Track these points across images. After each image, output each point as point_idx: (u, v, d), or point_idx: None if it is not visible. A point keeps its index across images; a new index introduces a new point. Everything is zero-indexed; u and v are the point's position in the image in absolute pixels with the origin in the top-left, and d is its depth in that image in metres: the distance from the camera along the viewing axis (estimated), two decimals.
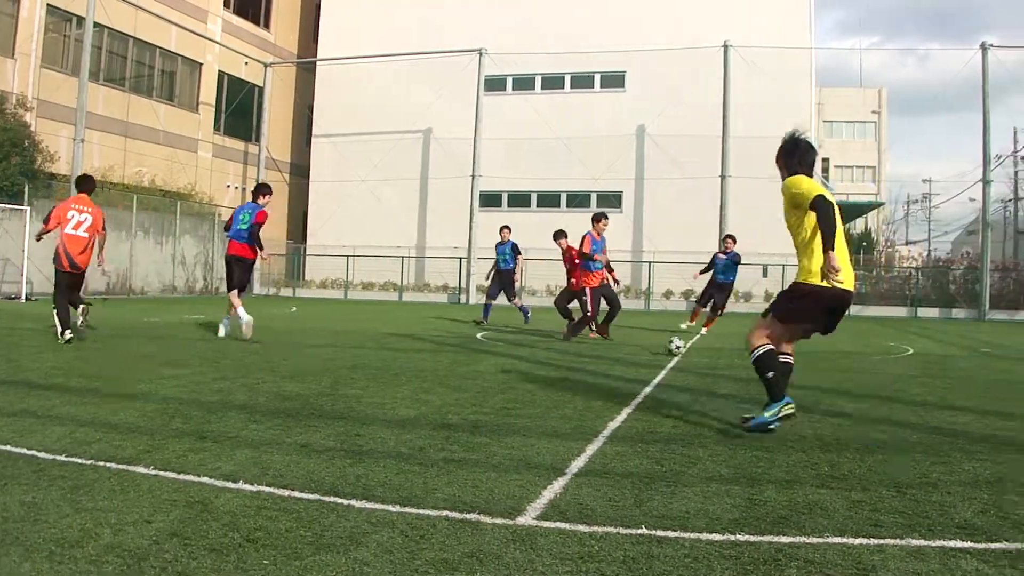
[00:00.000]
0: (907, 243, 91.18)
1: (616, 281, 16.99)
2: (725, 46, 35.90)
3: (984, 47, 35.47)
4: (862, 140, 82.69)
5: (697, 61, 36.17)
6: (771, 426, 6.60)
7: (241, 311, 14.31)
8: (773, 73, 36.19)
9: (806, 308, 6.80)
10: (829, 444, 6.31)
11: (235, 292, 14.79)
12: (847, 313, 7.02)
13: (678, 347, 13.73)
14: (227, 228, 15.15)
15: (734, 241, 20.39)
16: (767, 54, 35.46)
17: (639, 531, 4.02)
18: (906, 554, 3.79)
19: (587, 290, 15.98)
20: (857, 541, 3.96)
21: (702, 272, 20.37)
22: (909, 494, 4.89)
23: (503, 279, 21.71)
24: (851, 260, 6.74)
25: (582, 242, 16.03)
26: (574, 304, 16.73)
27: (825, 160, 77.35)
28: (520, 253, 21.84)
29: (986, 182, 36.57)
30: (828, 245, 6.32)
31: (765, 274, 36.12)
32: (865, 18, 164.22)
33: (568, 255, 17.80)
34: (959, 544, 3.95)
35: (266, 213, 14.83)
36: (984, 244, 36.62)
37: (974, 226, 66.44)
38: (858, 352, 15.97)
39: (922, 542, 3.97)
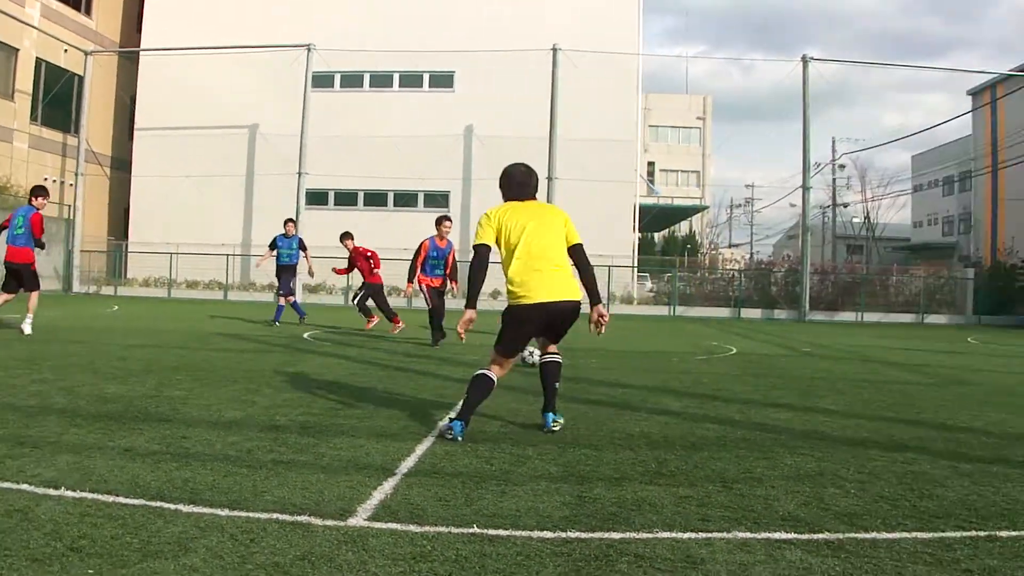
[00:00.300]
0: (730, 246, 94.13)
1: (455, 289, 16.77)
2: (554, 49, 36.27)
3: (805, 59, 36.78)
4: (687, 145, 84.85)
5: (526, 63, 36.42)
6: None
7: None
8: (601, 77, 36.90)
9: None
10: (656, 442, 6.50)
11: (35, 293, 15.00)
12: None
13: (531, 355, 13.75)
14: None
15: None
16: (595, 58, 36.00)
17: (471, 530, 4.08)
18: (733, 546, 3.93)
19: (423, 287, 15.73)
20: (685, 535, 4.09)
21: None
22: (735, 489, 5.08)
23: (288, 273, 21.54)
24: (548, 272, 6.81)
25: (419, 249, 15.75)
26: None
27: (651, 164, 79.05)
28: (307, 248, 22.01)
29: (806, 188, 38.05)
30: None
31: None
32: (692, 26, 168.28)
33: (355, 255, 19.61)
34: (784, 536, 4.12)
35: (41, 216, 14.74)
36: (804, 248, 37.96)
37: (794, 230, 68.70)
38: (683, 352, 16.42)
39: (748, 535, 4.13)
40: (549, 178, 35.50)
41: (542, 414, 6.99)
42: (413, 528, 4.09)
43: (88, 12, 45.61)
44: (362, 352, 13.80)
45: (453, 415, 6.90)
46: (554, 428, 6.83)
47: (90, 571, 3.41)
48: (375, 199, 41.24)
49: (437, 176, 39.35)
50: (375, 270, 19.38)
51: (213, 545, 3.76)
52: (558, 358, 7.22)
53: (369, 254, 19.54)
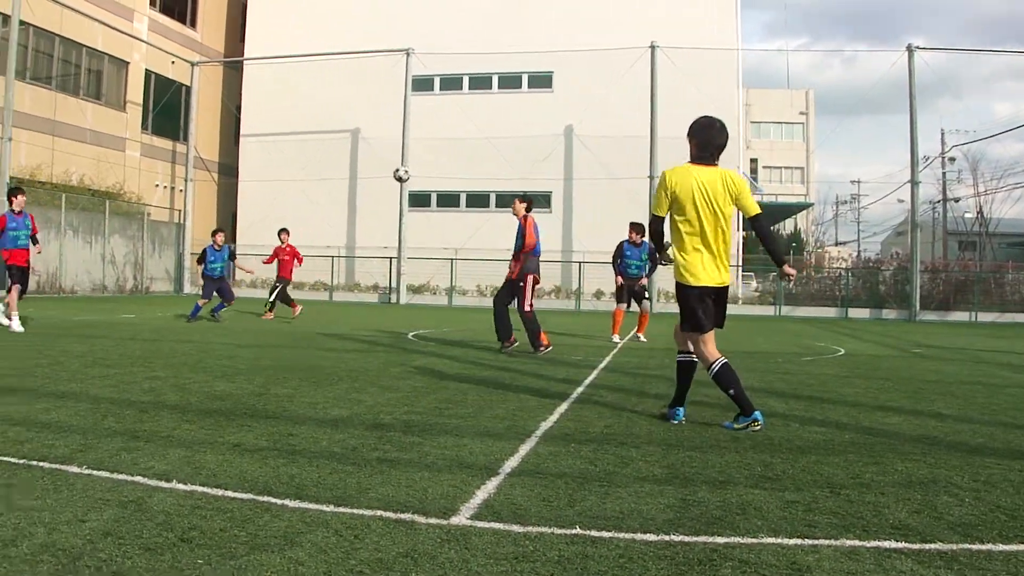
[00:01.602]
0: (836, 244, 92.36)
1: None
2: (652, 47, 36.06)
3: (910, 49, 35.94)
4: (790, 141, 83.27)
5: (624, 62, 36.28)
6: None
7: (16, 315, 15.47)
8: (700, 74, 36.41)
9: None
10: (762, 445, 6.36)
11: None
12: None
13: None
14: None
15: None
16: (694, 55, 35.68)
17: (573, 531, 4.03)
18: (840, 554, 3.81)
19: (528, 279, 14.28)
20: (791, 541, 3.97)
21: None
22: (843, 494, 4.92)
23: (212, 283, 21.58)
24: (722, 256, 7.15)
25: (526, 232, 14.16)
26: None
27: (753, 161, 77.93)
28: (235, 257, 23.64)
29: (914, 183, 37.11)
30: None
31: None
32: (792, 20, 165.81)
33: (289, 251, 22.95)
34: (894, 544, 3.97)
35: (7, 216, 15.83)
36: (913, 245, 37.13)
37: (903, 227, 67.23)
38: (788, 352, 16.16)
39: (856, 542, 4.00)
40: (651, 177, 35.25)
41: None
42: (515, 528, 4.06)
43: (193, 24, 46.67)
44: (466, 352, 13.82)
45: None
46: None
47: (199, 561, 3.47)
48: (477, 200, 41.42)
49: (538, 176, 39.30)
50: (295, 267, 22.86)
51: (318, 540, 3.79)
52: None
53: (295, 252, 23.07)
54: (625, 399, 8.55)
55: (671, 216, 7.15)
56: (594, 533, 4.02)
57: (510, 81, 41.76)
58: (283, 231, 23.53)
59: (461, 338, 16.35)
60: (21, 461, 5.10)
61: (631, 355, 13.94)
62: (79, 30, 37.95)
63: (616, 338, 17.75)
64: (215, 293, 21.23)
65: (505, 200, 39.84)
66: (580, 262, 38.13)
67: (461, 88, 42.37)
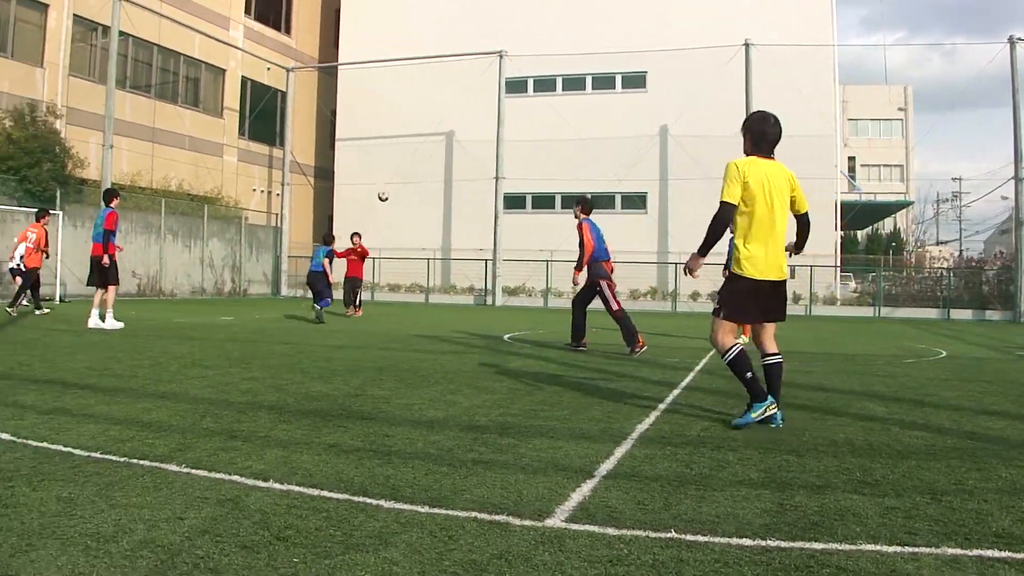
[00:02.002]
0: (937, 243, 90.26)
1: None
2: (746, 44, 35.68)
3: (1012, 41, 35.04)
4: (888, 138, 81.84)
5: (718, 60, 35.97)
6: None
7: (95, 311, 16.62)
8: (795, 71, 35.94)
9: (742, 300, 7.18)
10: (860, 449, 6.21)
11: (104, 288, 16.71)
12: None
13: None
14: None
15: None
16: (789, 52, 35.28)
17: (668, 535, 3.98)
18: (942, 563, 3.70)
19: (603, 285, 14.64)
20: (891, 549, 3.88)
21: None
22: (944, 501, 4.78)
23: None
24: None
25: (583, 239, 14.94)
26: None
27: (851, 159, 76.80)
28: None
29: (1019, 180, 36.05)
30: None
31: (792, 275, 35.93)
32: (889, 14, 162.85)
33: (359, 251, 23.88)
34: (997, 554, 3.85)
35: (115, 216, 16.81)
36: (1018, 244, 36.07)
37: (1007, 225, 65.50)
38: (888, 354, 15.86)
39: (958, 551, 3.88)
40: None
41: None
42: (610, 531, 4.02)
43: (288, 31, 47.41)
44: (562, 354, 13.78)
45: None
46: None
47: (295, 560, 3.50)
48: (572, 202, 41.23)
49: (633, 177, 39.14)
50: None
51: (413, 541, 3.79)
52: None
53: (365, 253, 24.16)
54: (722, 402, 8.43)
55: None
56: (689, 537, 3.97)
57: (604, 82, 41.63)
58: (355, 235, 24.59)
59: (557, 340, 16.31)
60: (122, 459, 5.20)
61: None
62: (177, 39, 38.88)
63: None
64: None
65: (601, 201, 39.78)
66: (676, 263, 37.76)
67: (555, 90, 42.35)
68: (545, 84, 42.46)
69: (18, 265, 21.16)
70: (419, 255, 41.76)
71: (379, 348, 14.13)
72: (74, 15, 34.01)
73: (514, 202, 40.97)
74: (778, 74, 35.18)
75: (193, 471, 4.98)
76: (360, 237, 24.55)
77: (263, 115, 45.30)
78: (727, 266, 17.08)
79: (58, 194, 30.29)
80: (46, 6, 32.86)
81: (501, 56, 38.56)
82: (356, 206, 44.19)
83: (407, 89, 43.24)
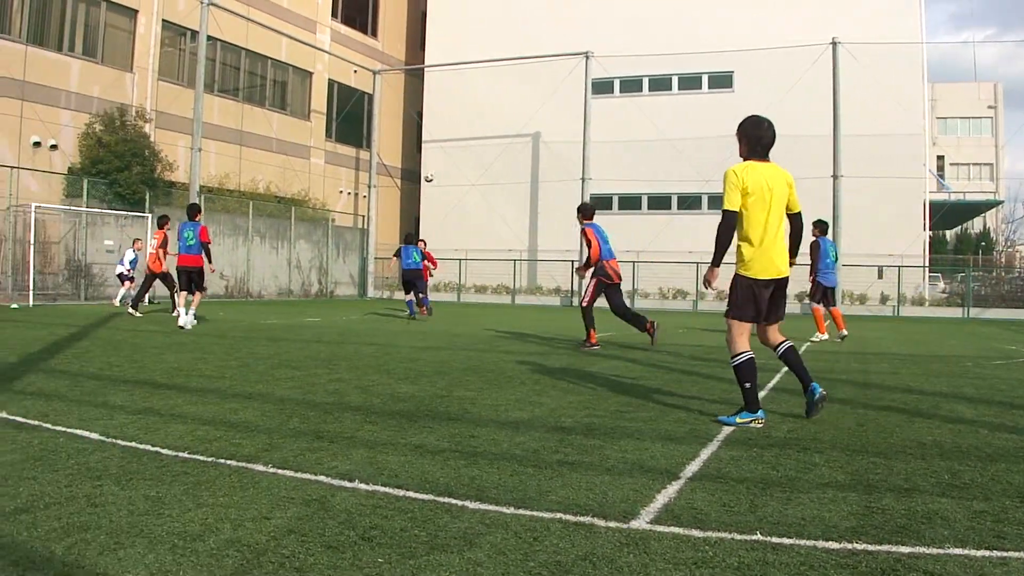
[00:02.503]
0: None
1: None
2: (833, 43, 35.08)
3: None
4: (978, 136, 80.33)
5: (805, 59, 35.47)
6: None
7: (183, 310, 17.90)
8: (884, 69, 35.31)
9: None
10: (949, 451, 6.08)
11: (185, 293, 18.18)
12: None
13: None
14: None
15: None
16: (877, 50, 34.69)
17: (754, 537, 3.95)
18: None
19: (593, 281, 15.69)
20: (979, 553, 3.79)
21: None
22: None
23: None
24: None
25: (589, 242, 16.09)
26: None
27: (940, 158, 75.52)
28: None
29: None
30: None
31: (880, 275, 35.41)
32: (978, 10, 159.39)
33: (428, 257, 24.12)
34: None
35: (207, 228, 18.46)
36: None
37: None
38: (977, 356, 15.51)
39: None
40: (835, 176, 34.36)
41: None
42: (695, 533, 3.99)
43: (374, 34, 47.83)
44: (648, 355, 13.69)
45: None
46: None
47: (379, 560, 3.51)
48: (659, 202, 41.08)
49: (720, 178, 38.61)
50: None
51: (497, 542, 3.79)
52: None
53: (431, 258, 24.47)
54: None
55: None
56: (775, 539, 3.93)
57: (690, 82, 41.25)
58: (420, 241, 24.99)
59: (643, 341, 16.21)
60: (209, 459, 5.27)
61: (816, 358, 13.56)
62: (264, 43, 39.41)
63: (824, 336, 17.54)
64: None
65: (688, 202, 39.50)
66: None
67: (641, 90, 42.08)
68: (631, 85, 42.21)
69: (128, 270, 23.92)
70: (505, 256, 41.79)
71: (465, 349, 14.15)
72: (163, 20, 34.67)
73: (600, 203, 40.75)
74: (866, 72, 34.61)
75: (279, 471, 5.03)
76: (425, 244, 25.36)
77: (350, 117, 45.77)
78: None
79: (147, 197, 30.89)
80: (135, 12, 33.50)
81: (587, 57, 38.42)
82: (442, 208, 44.45)
83: (493, 90, 43.32)
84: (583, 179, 38.19)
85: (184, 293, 18.17)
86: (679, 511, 4.37)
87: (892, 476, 5.29)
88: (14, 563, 3.40)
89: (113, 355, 11.58)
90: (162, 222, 21.47)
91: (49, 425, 6.32)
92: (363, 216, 45.22)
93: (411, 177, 48.86)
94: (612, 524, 4.10)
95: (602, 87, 41.09)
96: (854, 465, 5.57)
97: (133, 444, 5.69)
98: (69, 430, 6.14)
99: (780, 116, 32.03)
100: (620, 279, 15.78)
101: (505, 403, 7.92)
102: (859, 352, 15.02)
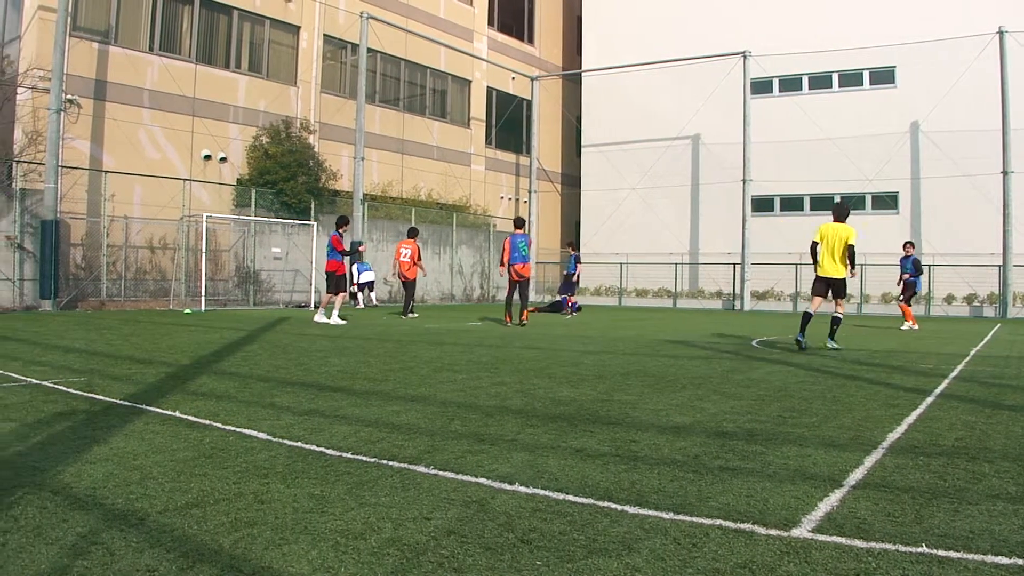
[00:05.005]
0: None
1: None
2: (1000, 32, 33.66)
3: None
4: None
5: (971, 51, 34.22)
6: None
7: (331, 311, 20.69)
8: None
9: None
10: None
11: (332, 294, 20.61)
12: None
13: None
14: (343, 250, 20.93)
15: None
16: None
17: (919, 549, 3.81)
18: None
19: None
20: None
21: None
22: None
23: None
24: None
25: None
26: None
27: None
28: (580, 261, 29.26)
29: None
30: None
31: None
32: None
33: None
34: None
35: (337, 237, 20.56)
36: None
37: None
38: None
39: None
40: (1005, 172, 33.04)
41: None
42: (858, 543, 3.88)
43: (531, 41, 48.18)
44: (811, 359, 13.42)
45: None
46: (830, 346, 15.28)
47: (538, 563, 3.52)
48: (821, 203, 40.09)
49: (883, 177, 37.67)
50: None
51: (656, 547, 3.76)
52: (838, 314, 15.66)
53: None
54: (978, 410, 8.01)
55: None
56: (941, 552, 3.79)
57: (850, 79, 40.15)
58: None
59: (806, 345, 15.92)
60: (372, 460, 5.38)
61: (985, 364, 13.12)
62: (423, 53, 40.20)
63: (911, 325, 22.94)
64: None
65: (851, 202, 38.51)
66: (930, 265, 35.97)
67: (800, 89, 41.20)
68: (791, 84, 41.39)
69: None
70: (666, 260, 41.54)
71: (627, 353, 14.09)
72: (324, 35, 35.85)
73: (762, 204, 40.24)
74: None
75: (441, 473, 5.10)
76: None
77: (509, 124, 46.16)
78: (909, 278, 23.43)
79: (312, 205, 31.74)
80: (298, 28, 34.65)
81: (745, 57, 37.92)
82: (603, 212, 44.43)
83: (651, 93, 43.15)
84: (744, 180, 37.70)
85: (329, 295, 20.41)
86: (842, 520, 4.27)
87: None
88: (184, 555, 3.53)
89: (280, 358, 11.90)
90: (412, 234, 24.08)
91: (219, 424, 6.57)
92: (525, 222, 45.54)
93: (571, 182, 48.99)
94: (773, 532, 4.04)
95: (761, 86, 40.46)
96: None
97: (299, 444, 5.85)
98: (238, 429, 6.37)
99: (946, 111, 31.10)
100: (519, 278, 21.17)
101: (666, 408, 7.87)
102: None
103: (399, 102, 39.95)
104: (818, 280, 15.01)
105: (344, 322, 19.23)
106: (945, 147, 36.23)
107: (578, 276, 29.25)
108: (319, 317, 20.44)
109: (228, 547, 3.64)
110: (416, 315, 24.64)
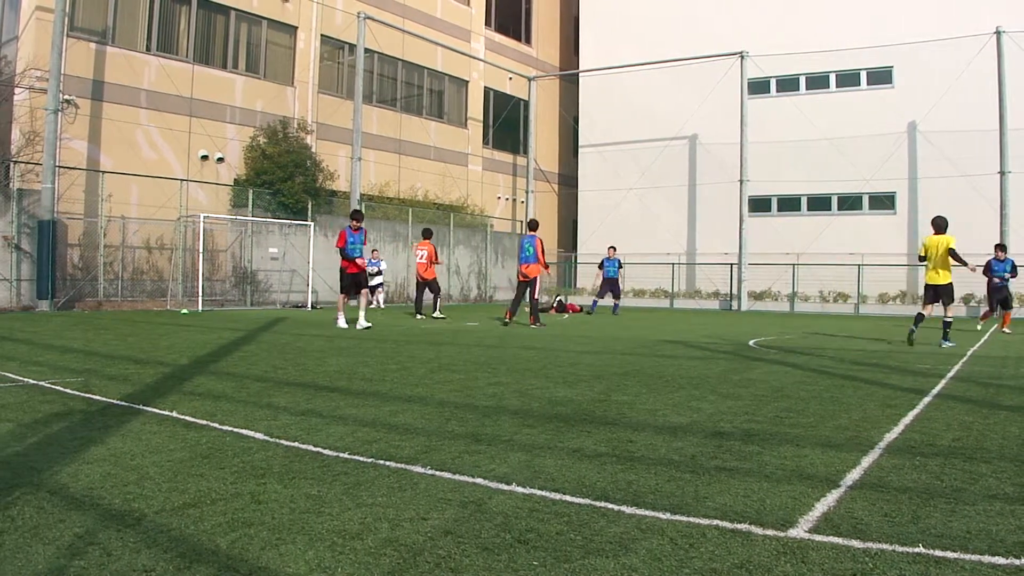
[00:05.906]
0: None
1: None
2: (997, 32, 33.66)
3: None
4: None
5: (968, 51, 34.23)
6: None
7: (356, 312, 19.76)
8: None
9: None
10: None
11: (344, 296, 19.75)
12: None
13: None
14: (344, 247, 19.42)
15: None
16: None
17: (916, 550, 3.82)
18: None
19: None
20: None
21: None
22: None
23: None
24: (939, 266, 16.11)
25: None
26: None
27: None
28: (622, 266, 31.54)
29: None
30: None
31: None
32: None
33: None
34: None
35: (343, 234, 19.09)
36: None
37: None
38: None
39: None
40: (1002, 172, 33.04)
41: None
42: (855, 543, 3.90)
43: (528, 41, 48.27)
44: (808, 360, 13.44)
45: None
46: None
47: (534, 563, 3.53)
48: (818, 203, 40.13)
49: (880, 177, 37.67)
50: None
51: (653, 547, 3.77)
52: (948, 318, 16.95)
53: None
54: (975, 411, 8.02)
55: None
56: (938, 553, 3.80)
57: (848, 79, 40.12)
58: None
59: (803, 345, 15.94)
60: (369, 460, 5.39)
61: (983, 364, 13.15)
62: (420, 54, 40.29)
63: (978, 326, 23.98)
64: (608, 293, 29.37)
65: (848, 202, 38.55)
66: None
67: (798, 89, 41.18)
68: (788, 84, 41.37)
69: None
70: (664, 260, 41.57)
71: (624, 353, 14.10)
72: (321, 35, 35.91)
73: (759, 205, 40.26)
74: None
75: (437, 473, 5.11)
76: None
77: (506, 124, 46.20)
78: (996, 280, 23.20)
79: (309, 206, 31.76)
80: (295, 28, 34.72)
81: (742, 57, 37.96)
82: (600, 212, 44.45)
83: (648, 93, 43.16)
84: (741, 180, 37.75)
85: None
86: (838, 520, 4.28)
87: None
88: (181, 555, 3.54)
89: (277, 358, 11.91)
90: (427, 235, 24.53)
91: (216, 425, 6.58)
92: (521, 221, 45.52)
93: (568, 182, 49.01)
94: (769, 532, 4.05)
95: (758, 87, 40.47)
96: (1023, 476, 5.37)
97: (296, 444, 5.86)
98: (235, 430, 6.38)
99: (944, 111, 31.15)
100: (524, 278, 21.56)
101: (663, 408, 7.88)
102: None
103: (396, 102, 39.98)
104: (927, 288, 16.87)
105: (346, 326, 18.88)
106: (942, 147, 36.24)
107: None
108: (361, 322, 18.84)
109: (225, 547, 3.65)
110: (444, 316, 24.78)
